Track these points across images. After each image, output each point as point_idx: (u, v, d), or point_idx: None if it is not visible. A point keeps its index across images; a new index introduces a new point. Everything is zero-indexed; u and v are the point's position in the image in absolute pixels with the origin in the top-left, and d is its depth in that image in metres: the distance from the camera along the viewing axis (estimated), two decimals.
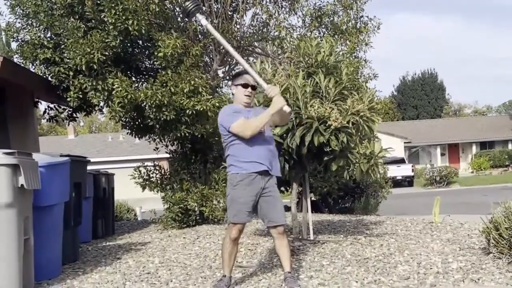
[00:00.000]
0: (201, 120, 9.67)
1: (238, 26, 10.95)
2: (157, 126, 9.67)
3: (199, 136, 9.91)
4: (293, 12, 11.40)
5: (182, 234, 9.37)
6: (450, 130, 48.50)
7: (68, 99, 9.59)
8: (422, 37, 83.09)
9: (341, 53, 7.94)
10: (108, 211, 10.71)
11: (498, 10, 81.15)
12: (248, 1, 10.86)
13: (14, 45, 10.33)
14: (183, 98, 9.21)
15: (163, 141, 10.85)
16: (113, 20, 8.90)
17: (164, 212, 10.61)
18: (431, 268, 5.66)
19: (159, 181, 11.14)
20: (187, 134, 9.69)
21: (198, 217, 10.39)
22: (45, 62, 9.69)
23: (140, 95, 9.12)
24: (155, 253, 7.50)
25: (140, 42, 10.23)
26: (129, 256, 7.38)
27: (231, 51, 5.23)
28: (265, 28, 11.22)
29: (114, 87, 9.11)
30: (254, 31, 11.26)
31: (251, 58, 11.11)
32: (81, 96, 9.54)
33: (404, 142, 44.42)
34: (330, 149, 6.78)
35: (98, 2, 9.02)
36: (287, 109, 4.80)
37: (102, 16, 9.01)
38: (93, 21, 9.20)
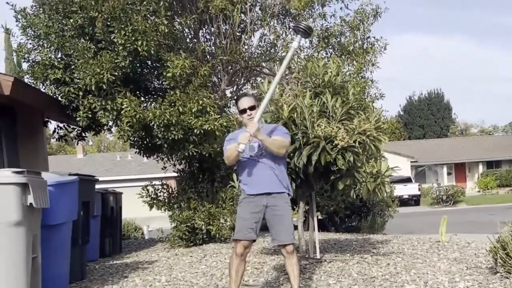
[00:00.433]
0: (209, 139, 9.76)
1: (246, 47, 11.11)
2: (165, 145, 9.76)
3: (207, 155, 9.99)
4: None
5: (189, 252, 9.41)
6: (456, 150, 48.43)
7: (78, 118, 9.69)
8: (428, 57, 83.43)
9: (348, 73, 8.03)
10: (116, 229, 10.78)
11: (504, 29, 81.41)
12: (256, 22, 11.02)
13: (25, 65, 10.45)
14: (191, 117, 9.31)
15: (171, 160, 10.94)
16: (123, 41, 9.03)
17: (171, 231, 10.67)
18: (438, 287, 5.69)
19: (166, 200, 11.21)
20: (195, 153, 9.78)
21: (205, 236, 10.44)
22: (55, 82, 9.81)
23: (148, 115, 9.23)
24: (162, 272, 7.54)
25: (149, 62, 10.37)
26: (136, 275, 7.43)
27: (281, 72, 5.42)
28: (273, 49, 11.37)
29: (123, 106, 9.21)
30: (262, 51, 11.41)
31: (258, 78, 11.25)
32: (90, 115, 9.64)
33: (411, 161, 44.37)
34: (337, 168, 6.84)
35: (108, 23, 9.15)
36: (241, 147, 4.89)
37: (112, 37, 9.14)
38: (103, 42, 9.34)
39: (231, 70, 11.08)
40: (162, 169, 11.69)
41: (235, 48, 10.59)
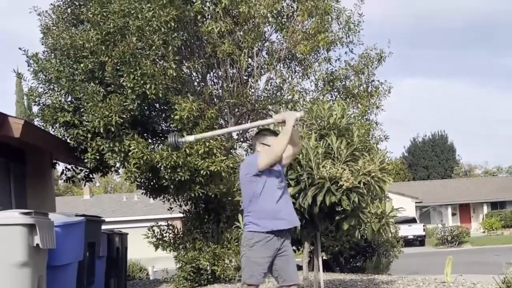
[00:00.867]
0: (215, 180, 9.89)
1: (252, 90, 11.35)
2: (172, 186, 9.89)
3: (213, 196, 10.10)
4: (306, 76, 11.81)
5: None
6: (461, 190, 48.35)
7: (85, 160, 9.85)
8: (432, 99, 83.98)
9: (352, 115, 8.20)
10: (121, 270, 10.79)
11: (506, 71, 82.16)
12: (262, 66, 11.28)
13: (35, 108, 10.67)
14: (198, 159, 9.46)
15: (177, 201, 11.06)
16: (132, 85, 9.24)
17: (176, 271, 10.70)
18: None
19: (172, 241, 11.29)
20: (201, 194, 9.90)
21: (210, 276, 10.46)
22: (64, 125, 10.01)
23: (155, 156, 9.38)
24: None
25: (157, 105, 10.59)
26: None
27: (234, 129, 5.42)
28: (279, 92, 11.60)
29: (130, 148, 9.38)
30: (268, 94, 11.64)
31: None
32: (98, 157, 9.80)
33: (415, 202, 44.25)
34: (342, 208, 6.94)
35: (118, 67, 9.39)
36: (301, 114, 4.89)
37: (121, 81, 9.36)
38: (112, 85, 9.55)
39: (238, 113, 11.29)
40: (168, 209, 11.80)
41: (241, 92, 10.82)
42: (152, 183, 10.58)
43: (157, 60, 9.70)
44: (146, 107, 10.24)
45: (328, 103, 7.58)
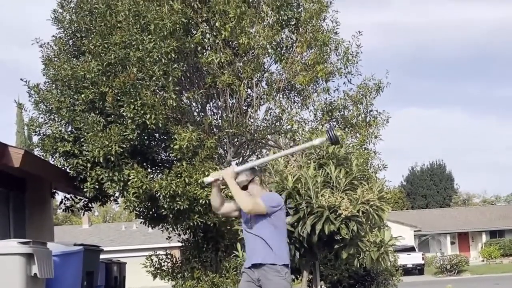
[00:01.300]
0: None
1: (252, 120, 11.45)
2: (171, 215, 9.91)
3: (212, 225, 10.13)
4: (305, 106, 11.91)
5: None
6: (459, 219, 48.28)
7: (85, 189, 9.89)
8: (430, 129, 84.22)
9: (351, 145, 8.30)
10: None
11: (503, 101, 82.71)
12: (262, 97, 11.40)
13: (35, 138, 10.74)
14: (197, 188, 9.51)
15: (176, 230, 11.06)
16: (132, 115, 9.33)
17: None
18: None
19: (170, 270, 11.28)
20: (199, 223, 9.92)
21: None
22: (64, 154, 10.07)
23: (155, 186, 9.43)
24: None
25: (157, 135, 10.67)
26: None
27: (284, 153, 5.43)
28: (278, 122, 11.70)
29: (130, 178, 9.43)
30: (268, 124, 11.74)
31: (264, 150, 11.51)
32: (97, 186, 9.84)
33: (414, 231, 44.14)
34: (341, 237, 6.98)
35: (118, 98, 9.48)
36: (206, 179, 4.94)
37: (121, 111, 9.45)
38: (112, 115, 9.64)
39: (237, 143, 11.37)
40: (167, 239, 11.81)
41: (241, 121, 10.92)
42: (151, 212, 10.61)
43: (157, 90, 9.80)
44: (146, 137, 10.31)
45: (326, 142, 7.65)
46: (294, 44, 11.54)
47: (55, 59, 10.36)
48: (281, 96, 11.80)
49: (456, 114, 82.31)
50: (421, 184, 61.09)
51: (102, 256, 9.44)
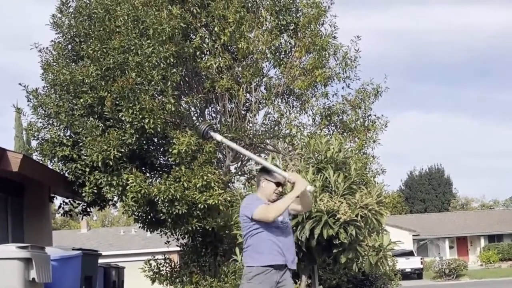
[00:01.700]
0: (212, 214, 9.92)
1: (250, 125, 11.47)
2: (169, 220, 9.91)
3: (210, 229, 10.13)
4: (303, 111, 11.95)
5: None
6: (458, 224, 48.29)
7: (83, 194, 9.88)
8: (428, 133, 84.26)
9: (349, 149, 8.32)
10: None
11: (501, 105, 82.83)
12: (260, 101, 11.43)
13: (34, 143, 10.72)
14: (196, 192, 9.51)
15: (174, 234, 11.06)
16: (130, 119, 9.33)
17: None
18: None
19: (169, 274, 11.28)
20: (198, 228, 9.92)
21: None
22: (63, 159, 10.05)
23: (153, 190, 9.43)
24: None
25: (156, 139, 10.66)
26: None
27: (253, 156, 5.44)
28: (277, 126, 11.73)
29: (128, 182, 9.43)
30: (266, 129, 11.77)
31: (262, 155, 11.52)
32: (96, 191, 9.84)
33: (413, 235, 44.13)
34: (339, 241, 7.00)
35: (117, 102, 9.49)
36: (310, 188, 4.86)
37: (120, 115, 9.45)
38: (111, 120, 9.64)
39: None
40: (165, 243, 11.80)
41: (240, 126, 10.94)
42: (149, 217, 10.60)
43: (156, 95, 9.82)
44: (144, 141, 10.31)
45: (326, 138, 7.70)
46: (292, 49, 11.58)
47: (54, 63, 10.36)
48: (279, 100, 11.84)
49: (454, 118, 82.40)
50: (419, 188, 61.12)
51: (100, 261, 9.45)
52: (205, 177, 9.56)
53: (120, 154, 9.43)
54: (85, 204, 11.12)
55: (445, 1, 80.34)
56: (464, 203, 65.82)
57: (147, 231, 11.47)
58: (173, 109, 9.74)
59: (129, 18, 9.80)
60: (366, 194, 7.03)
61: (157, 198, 9.56)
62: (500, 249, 43.67)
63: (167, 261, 11.52)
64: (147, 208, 10.15)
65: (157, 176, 11.04)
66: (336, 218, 6.85)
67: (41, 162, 10.11)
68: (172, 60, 9.73)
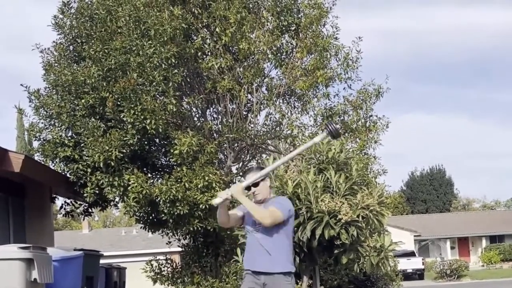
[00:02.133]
0: (214, 214, 9.90)
1: (252, 125, 11.49)
2: (171, 220, 9.92)
3: (212, 230, 10.13)
4: (305, 112, 11.95)
5: None
6: (459, 224, 48.25)
7: (85, 194, 9.89)
8: (430, 133, 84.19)
9: (351, 150, 8.33)
10: None
11: (501, 106, 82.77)
12: (262, 102, 11.44)
13: (36, 144, 10.74)
14: (197, 193, 9.52)
15: (176, 235, 11.07)
16: (132, 120, 9.35)
17: None
18: None
19: (170, 275, 11.28)
20: (199, 228, 9.93)
21: None
22: (64, 159, 10.07)
23: (155, 191, 9.45)
24: None
25: (157, 140, 10.68)
26: None
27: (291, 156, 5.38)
28: (278, 127, 11.74)
29: (130, 183, 9.44)
30: (268, 129, 11.78)
31: (264, 155, 11.54)
32: (97, 191, 9.85)
33: (414, 236, 44.11)
34: (341, 242, 7.00)
35: (119, 103, 9.50)
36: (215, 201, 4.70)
37: (121, 116, 9.47)
38: (112, 120, 9.66)
39: (237, 148, 11.40)
40: (167, 244, 11.81)
41: (241, 126, 10.95)
42: (151, 217, 10.62)
43: (158, 95, 9.83)
44: (146, 142, 10.33)
45: (327, 138, 7.68)
46: (294, 50, 11.59)
47: (56, 64, 10.38)
48: (281, 101, 11.85)
49: (456, 119, 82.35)
50: (421, 189, 61.09)
51: (102, 261, 9.46)
52: (206, 178, 9.57)
53: (122, 155, 9.45)
54: (86, 204, 11.14)
55: (445, 2, 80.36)
56: (466, 204, 65.78)
57: (148, 231, 11.48)
58: (174, 109, 9.76)
59: (130, 19, 9.82)
60: (367, 195, 7.03)
61: (158, 199, 9.58)
62: (502, 249, 43.64)
63: (169, 261, 11.53)
64: (149, 209, 10.17)
65: (158, 176, 11.05)
66: (337, 218, 6.86)
67: (42, 162, 10.13)
68: (173, 60, 9.75)
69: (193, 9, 10.84)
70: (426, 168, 62.47)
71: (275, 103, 11.44)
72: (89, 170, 9.78)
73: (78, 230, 42.62)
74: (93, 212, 12.05)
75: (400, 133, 68.06)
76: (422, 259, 37.46)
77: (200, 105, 11.24)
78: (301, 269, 7.64)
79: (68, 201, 11.58)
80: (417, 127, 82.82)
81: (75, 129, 9.85)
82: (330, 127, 4.89)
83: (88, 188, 9.77)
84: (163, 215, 9.77)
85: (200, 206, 9.56)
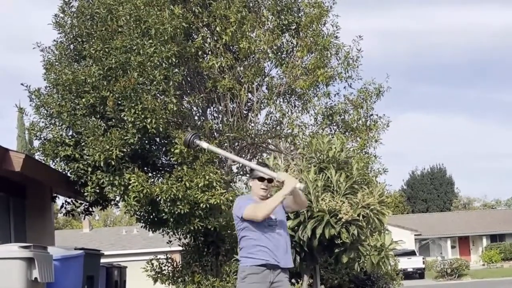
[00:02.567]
0: (214, 213, 9.94)
1: (252, 124, 11.49)
2: (171, 219, 9.92)
3: (212, 229, 10.14)
4: (305, 111, 11.95)
5: None
6: (460, 223, 48.27)
7: (85, 193, 9.89)
8: (430, 133, 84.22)
9: (351, 149, 8.34)
10: None
11: (503, 106, 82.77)
12: (262, 101, 11.44)
13: (36, 143, 10.73)
14: (198, 192, 9.52)
15: (176, 234, 11.07)
16: (133, 119, 9.35)
17: None
18: None
19: (171, 274, 11.29)
20: (200, 227, 9.93)
21: None
22: (65, 159, 10.07)
23: (155, 190, 9.45)
24: None
25: (158, 139, 10.68)
26: None
27: (237, 159, 5.43)
28: (279, 126, 11.74)
29: (130, 182, 9.44)
30: (268, 128, 11.79)
31: (264, 154, 11.54)
32: (98, 191, 9.85)
33: (415, 235, 44.13)
34: (341, 241, 7.00)
35: (119, 102, 9.50)
36: (300, 186, 4.74)
37: (122, 115, 9.47)
38: (113, 120, 9.66)
39: (238, 147, 11.41)
40: (167, 243, 11.82)
41: (241, 126, 10.96)
42: (151, 216, 10.61)
43: (158, 95, 9.83)
44: (146, 141, 10.33)
45: (327, 137, 7.71)
46: (294, 49, 11.60)
47: (56, 63, 10.38)
48: (281, 100, 11.85)
49: (456, 118, 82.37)
50: (421, 188, 61.12)
51: (102, 260, 9.43)
52: (207, 177, 9.57)
53: (122, 154, 9.45)
54: (87, 203, 11.15)
55: (445, 2, 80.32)
56: (466, 203, 65.79)
57: (149, 230, 11.49)
58: (175, 109, 9.76)
59: (131, 18, 9.82)
60: (368, 194, 7.04)
61: (159, 198, 9.59)
62: (502, 248, 43.66)
63: (169, 260, 11.54)
64: (149, 208, 10.17)
65: (159, 175, 11.05)
66: (338, 217, 6.86)
67: (43, 162, 10.12)
68: (174, 60, 9.75)
69: (194, 8, 10.84)
70: (427, 167, 62.51)
71: (276, 102, 11.45)
72: (89, 169, 9.78)
73: (79, 229, 42.65)
74: (93, 211, 12.06)
75: (400, 133, 68.07)
76: (423, 258, 37.48)
77: (200, 104, 11.25)
78: (302, 268, 7.65)
79: (69, 200, 11.59)
80: (418, 127, 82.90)
81: (76, 128, 9.85)
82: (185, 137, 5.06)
83: (89, 187, 9.78)
84: (163, 214, 9.77)
85: (201, 205, 9.56)
